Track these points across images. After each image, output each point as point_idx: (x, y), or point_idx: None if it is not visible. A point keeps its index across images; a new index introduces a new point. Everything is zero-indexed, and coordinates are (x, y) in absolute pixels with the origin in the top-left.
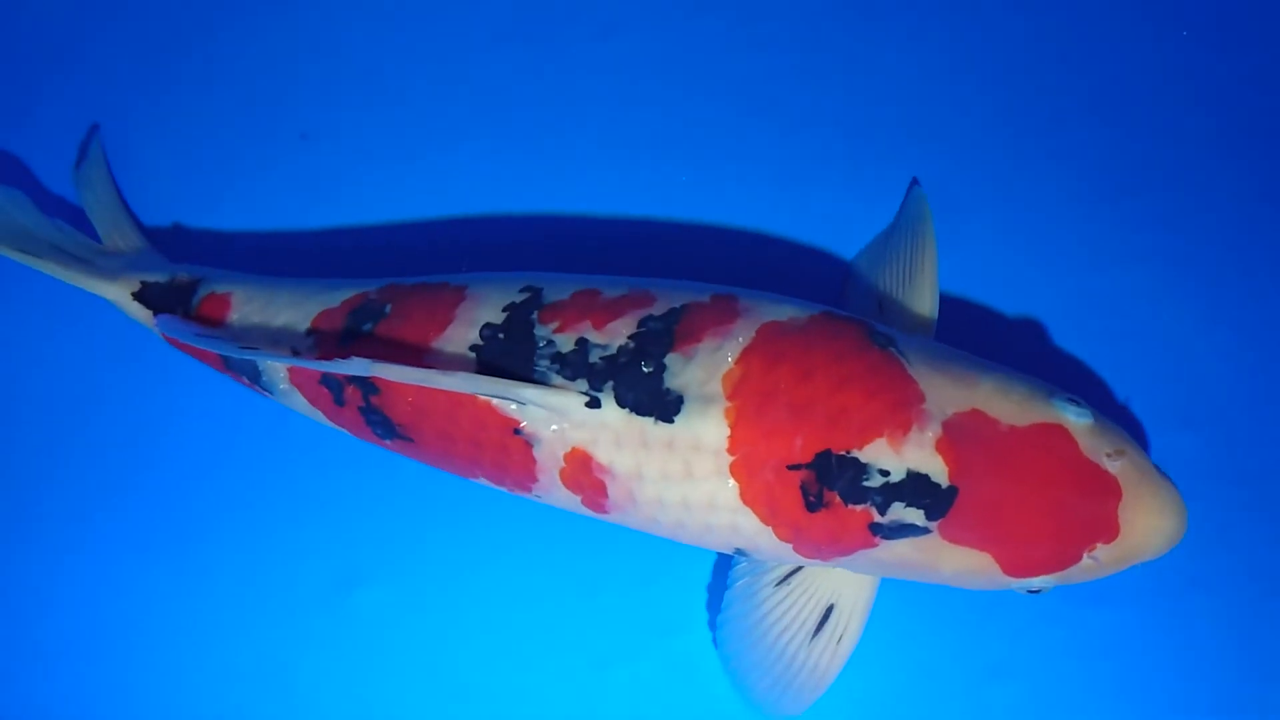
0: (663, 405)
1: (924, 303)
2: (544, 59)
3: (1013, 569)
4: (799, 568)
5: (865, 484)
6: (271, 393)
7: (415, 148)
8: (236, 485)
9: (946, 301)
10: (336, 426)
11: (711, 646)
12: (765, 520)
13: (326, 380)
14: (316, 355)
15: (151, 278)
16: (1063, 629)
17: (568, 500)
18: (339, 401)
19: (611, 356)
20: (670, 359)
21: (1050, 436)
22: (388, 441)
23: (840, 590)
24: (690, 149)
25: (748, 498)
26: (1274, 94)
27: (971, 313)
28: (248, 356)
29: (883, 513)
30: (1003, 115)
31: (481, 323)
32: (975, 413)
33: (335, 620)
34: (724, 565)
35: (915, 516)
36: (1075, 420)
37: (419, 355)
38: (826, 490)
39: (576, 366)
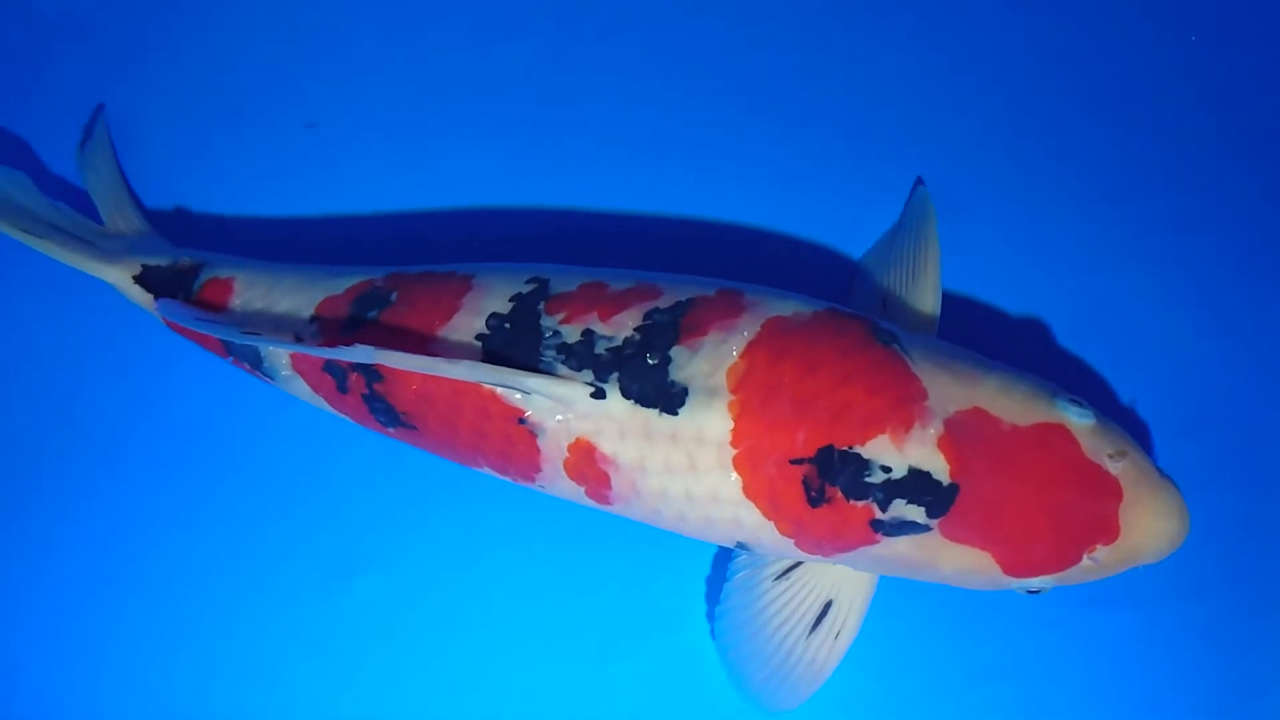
0: (667, 397)
1: (927, 300)
2: (554, 49)
3: (1012, 568)
4: (798, 563)
5: (867, 480)
6: (273, 379)
7: (422, 140)
8: (236, 472)
9: (950, 301)
10: (339, 413)
11: (710, 640)
12: (767, 515)
13: (330, 367)
14: (320, 342)
15: (153, 261)
16: (1058, 632)
17: (571, 491)
18: (342, 388)
19: (617, 348)
20: (675, 352)
21: (1052, 436)
22: (391, 429)
23: (839, 586)
24: (695, 146)
25: (750, 492)
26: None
27: (975, 312)
28: (250, 342)
29: (884, 509)
30: (1007, 116)
31: (488, 312)
32: (977, 411)
33: (333, 608)
34: (724, 559)
35: (916, 514)
36: (1077, 421)
37: (424, 343)
38: (828, 486)
39: (582, 357)
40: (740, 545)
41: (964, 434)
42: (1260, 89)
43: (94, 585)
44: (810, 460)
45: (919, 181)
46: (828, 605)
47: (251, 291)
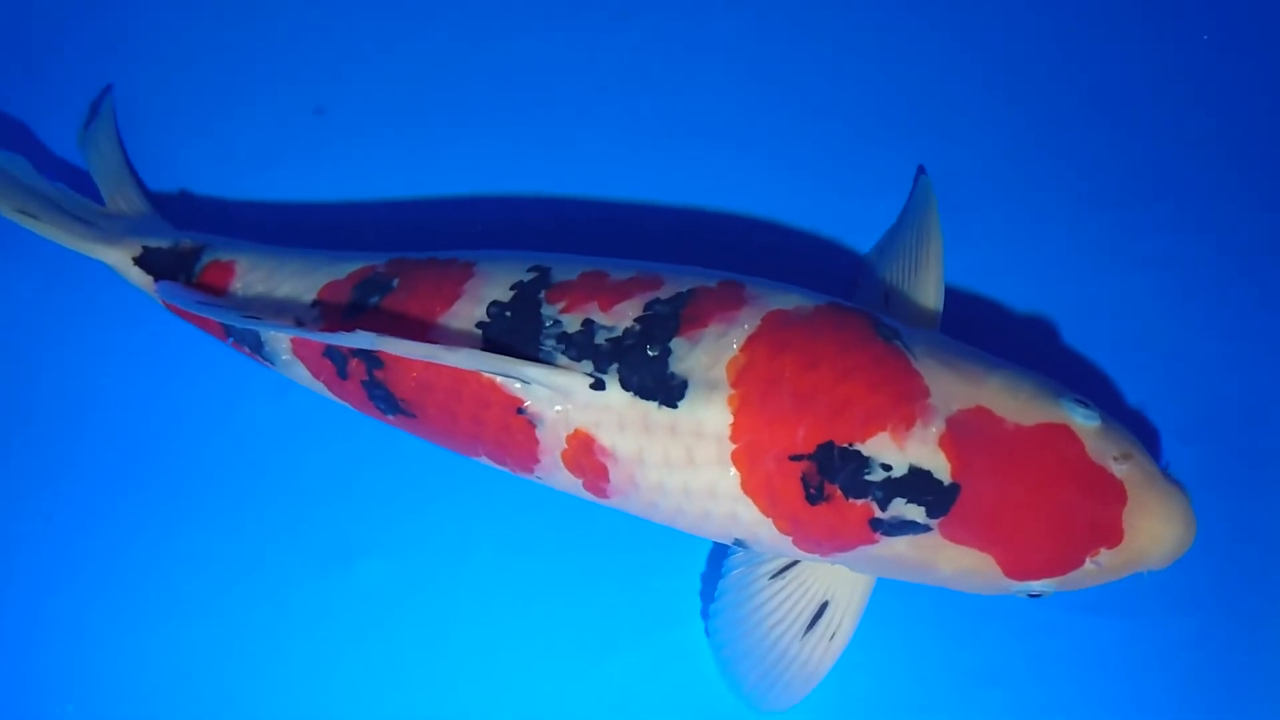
0: (667, 390)
1: (929, 295)
2: (559, 39)
3: (1013, 571)
4: (795, 561)
5: (867, 478)
6: (273, 364)
7: (428, 127)
8: (234, 456)
9: (954, 298)
10: (338, 400)
11: (705, 637)
12: (765, 511)
13: (330, 353)
14: (321, 327)
15: (154, 243)
16: (1051, 637)
17: (569, 483)
18: (342, 374)
19: (617, 339)
20: (676, 343)
21: (1056, 437)
22: (390, 417)
23: (835, 587)
24: (700, 137)
25: (748, 487)
26: None
27: (980, 309)
28: (250, 326)
29: (883, 508)
30: (1015, 113)
31: (489, 300)
32: (980, 410)
33: (330, 594)
34: (720, 556)
35: (916, 513)
36: (1083, 422)
37: (425, 330)
38: (828, 483)
39: (582, 347)
40: (738, 542)
41: (966, 433)
42: (1270, 91)
43: (89, 569)
44: (809, 457)
45: (920, 171)
46: (823, 606)
47: (253, 275)
